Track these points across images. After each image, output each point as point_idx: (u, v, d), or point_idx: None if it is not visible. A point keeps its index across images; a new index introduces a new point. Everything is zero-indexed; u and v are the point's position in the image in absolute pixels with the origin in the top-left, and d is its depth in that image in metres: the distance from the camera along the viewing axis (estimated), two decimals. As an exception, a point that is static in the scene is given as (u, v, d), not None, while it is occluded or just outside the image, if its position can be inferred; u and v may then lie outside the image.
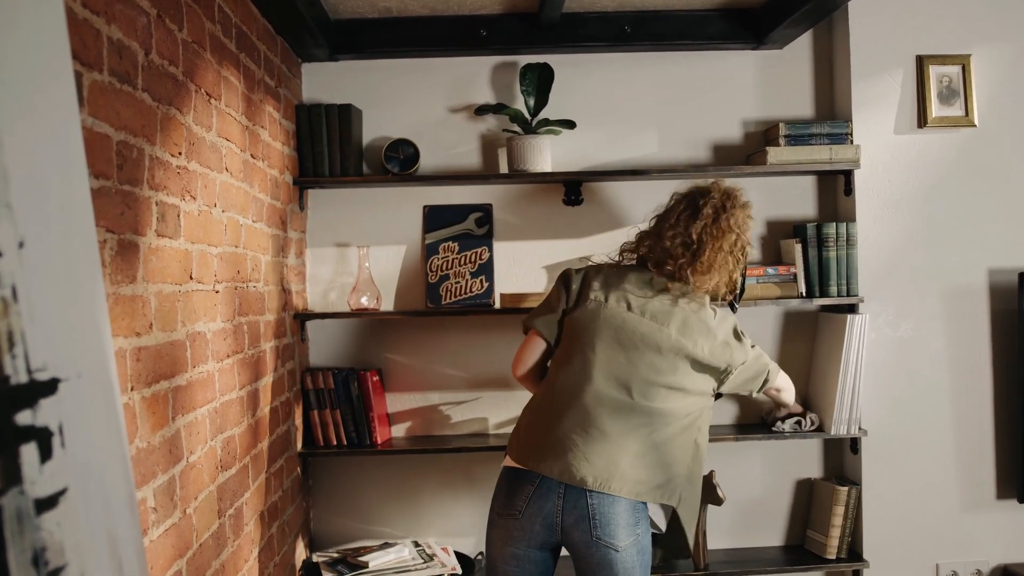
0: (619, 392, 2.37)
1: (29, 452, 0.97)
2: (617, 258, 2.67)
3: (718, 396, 2.59)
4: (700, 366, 2.44)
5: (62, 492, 1.02)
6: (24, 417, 0.96)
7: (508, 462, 2.45)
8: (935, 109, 3.32)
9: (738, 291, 2.64)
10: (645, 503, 2.37)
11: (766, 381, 2.66)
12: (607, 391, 2.37)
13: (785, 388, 2.85)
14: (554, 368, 2.50)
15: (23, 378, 0.97)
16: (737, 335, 2.52)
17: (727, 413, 3.48)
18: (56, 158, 1.12)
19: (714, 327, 2.47)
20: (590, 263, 2.76)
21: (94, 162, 1.54)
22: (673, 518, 2.51)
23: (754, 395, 2.71)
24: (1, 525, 0.89)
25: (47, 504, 0.98)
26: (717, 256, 2.47)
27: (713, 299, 2.57)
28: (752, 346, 2.58)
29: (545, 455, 2.34)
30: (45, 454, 1.00)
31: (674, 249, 2.48)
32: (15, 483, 0.93)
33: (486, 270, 3.41)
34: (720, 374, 2.49)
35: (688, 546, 2.49)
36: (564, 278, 2.59)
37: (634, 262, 2.62)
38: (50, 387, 1.02)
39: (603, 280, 2.52)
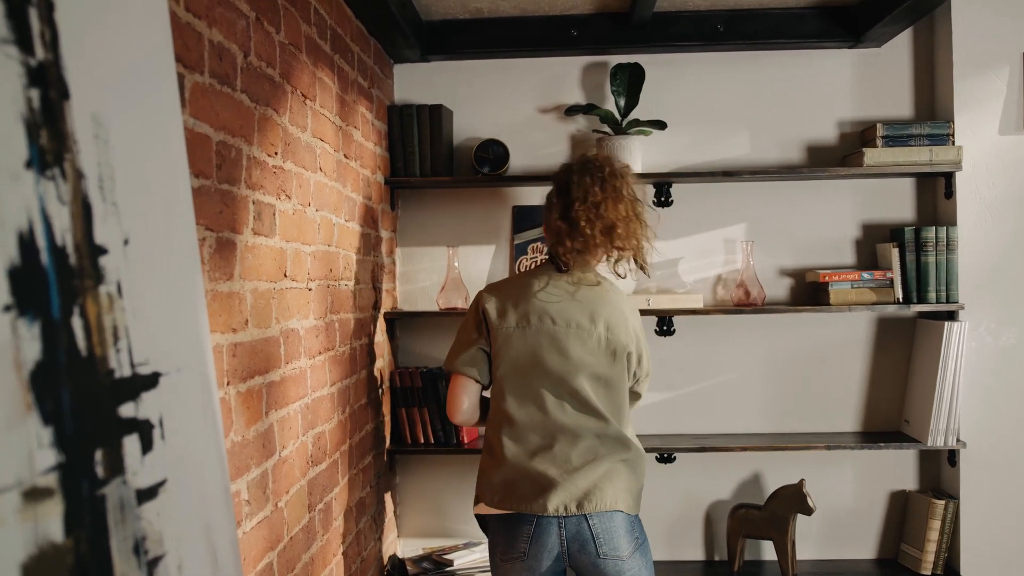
0: (574, 411, 2.32)
1: (131, 443, 0.99)
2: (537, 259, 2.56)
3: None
4: (626, 354, 2.37)
5: (162, 483, 1.05)
6: (127, 409, 0.99)
7: (487, 509, 2.36)
8: (1043, 109, 3.19)
9: (648, 256, 2.48)
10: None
11: (641, 386, 2.51)
12: (561, 416, 2.31)
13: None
14: (500, 406, 2.37)
15: (127, 372, 1.00)
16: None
17: (817, 421, 3.41)
18: (160, 158, 1.15)
19: (628, 312, 2.41)
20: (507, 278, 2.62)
21: (194, 162, 1.58)
22: None
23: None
24: (104, 514, 0.92)
25: (147, 495, 1.01)
26: (630, 226, 2.38)
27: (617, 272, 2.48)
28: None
29: (529, 495, 2.28)
30: (146, 446, 1.03)
31: (593, 235, 2.35)
32: (118, 473, 0.96)
33: (574, 271, 3.40)
34: (634, 365, 2.42)
35: None
36: (477, 307, 2.43)
37: (543, 260, 2.53)
38: (152, 381, 1.05)
39: (517, 298, 2.39)
